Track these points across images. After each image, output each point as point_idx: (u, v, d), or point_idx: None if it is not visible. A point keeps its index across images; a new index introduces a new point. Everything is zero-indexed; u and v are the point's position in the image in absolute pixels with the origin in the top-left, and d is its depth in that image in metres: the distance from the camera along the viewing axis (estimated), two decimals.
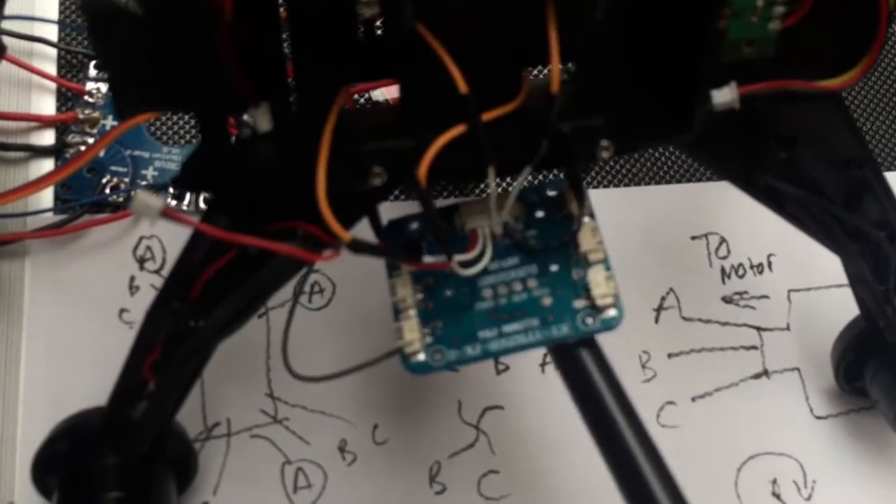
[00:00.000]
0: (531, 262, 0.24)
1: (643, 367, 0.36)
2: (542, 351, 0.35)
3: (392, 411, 0.34)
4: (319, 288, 0.35)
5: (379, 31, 0.22)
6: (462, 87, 0.21)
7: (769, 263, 0.38)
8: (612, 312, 0.23)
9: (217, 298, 0.24)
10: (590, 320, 0.24)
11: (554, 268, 0.24)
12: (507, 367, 0.35)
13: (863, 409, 0.36)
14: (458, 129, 0.21)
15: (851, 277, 0.30)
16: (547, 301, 0.24)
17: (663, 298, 0.37)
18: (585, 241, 0.24)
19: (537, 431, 0.34)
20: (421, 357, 0.24)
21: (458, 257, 0.23)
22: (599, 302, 0.23)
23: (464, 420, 0.34)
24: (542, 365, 0.35)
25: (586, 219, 0.24)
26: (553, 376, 0.35)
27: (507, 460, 0.34)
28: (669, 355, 0.36)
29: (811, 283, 0.38)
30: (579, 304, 0.24)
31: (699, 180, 0.39)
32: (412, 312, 0.24)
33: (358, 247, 0.21)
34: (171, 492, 0.29)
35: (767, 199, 0.28)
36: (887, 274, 0.29)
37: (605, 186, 0.39)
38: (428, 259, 0.23)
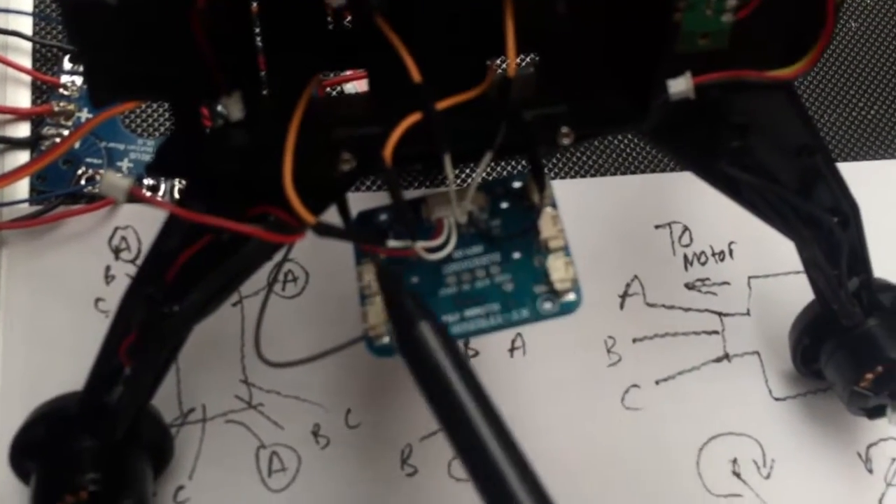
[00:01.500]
0: (494, 251, 0.25)
1: (608, 351, 0.37)
2: (510, 336, 0.36)
3: (364, 396, 0.34)
4: (293, 277, 0.36)
5: (348, 21, 0.22)
6: (416, 76, 0.21)
7: (730, 251, 0.39)
8: (570, 297, 0.24)
9: (191, 284, 0.24)
10: (549, 305, 0.24)
11: (516, 255, 0.25)
12: (477, 353, 0.36)
13: (819, 391, 0.37)
14: (414, 117, 0.22)
15: (806, 262, 0.31)
16: (508, 287, 0.24)
17: (628, 285, 0.38)
18: (546, 229, 0.25)
19: (505, 414, 0.35)
20: (385, 340, 0.24)
21: (423, 243, 0.24)
22: (558, 287, 0.24)
23: None
24: (511, 350, 0.36)
25: (548, 208, 0.25)
26: (521, 361, 0.36)
27: None
28: (634, 340, 0.37)
29: (770, 269, 0.39)
30: (539, 289, 0.24)
31: (663, 171, 0.40)
32: (378, 298, 0.24)
33: (322, 229, 0.22)
34: (147, 475, 0.29)
35: (725, 187, 0.29)
36: (839, 259, 0.30)
37: (571, 177, 0.40)
38: (392, 244, 0.24)
